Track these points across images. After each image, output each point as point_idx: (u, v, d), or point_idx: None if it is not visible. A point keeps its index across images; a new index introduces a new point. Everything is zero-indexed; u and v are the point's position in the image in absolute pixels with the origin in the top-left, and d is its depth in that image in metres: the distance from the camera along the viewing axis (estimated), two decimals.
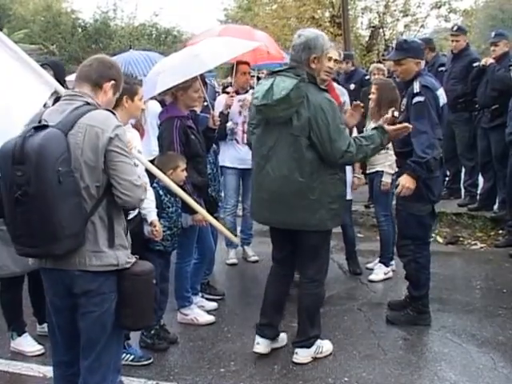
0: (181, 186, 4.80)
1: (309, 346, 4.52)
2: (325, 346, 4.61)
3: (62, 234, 2.87)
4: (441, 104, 4.84)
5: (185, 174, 4.76)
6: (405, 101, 4.94)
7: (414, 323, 5.03)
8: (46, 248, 2.91)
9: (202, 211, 4.46)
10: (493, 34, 7.90)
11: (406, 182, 4.73)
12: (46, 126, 2.91)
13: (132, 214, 4.29)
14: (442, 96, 4.89)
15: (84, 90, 3.13)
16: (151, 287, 3.23)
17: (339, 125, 4.21)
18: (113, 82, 3.21)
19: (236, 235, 6.95)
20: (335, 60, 5.09)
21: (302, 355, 4.51)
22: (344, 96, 5.55)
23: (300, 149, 4.18)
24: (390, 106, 5.66)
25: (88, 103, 3.06)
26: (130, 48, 10.27)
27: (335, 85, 5.54)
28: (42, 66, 5.64)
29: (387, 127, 4.48)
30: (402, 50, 4.96)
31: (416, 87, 4.78)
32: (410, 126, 4.51)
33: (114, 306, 3.09)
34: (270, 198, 4.36)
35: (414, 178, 4.71)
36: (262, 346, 4.63)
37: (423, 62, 5.01)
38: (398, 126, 4.54)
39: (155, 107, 6.13)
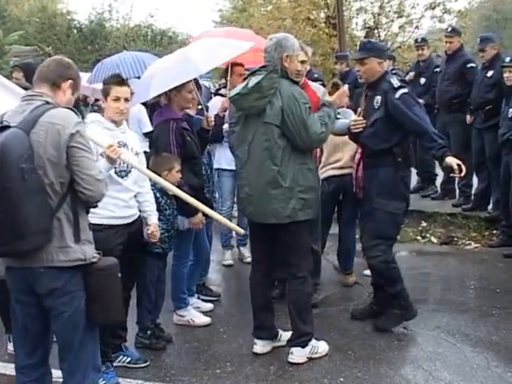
0: (179, 188, 4.84)
1: (303, 346, 4.55)
2: (320, 346, 4.64)
3: (29, 230, 2.92)
4: None
5: (179, 175, 4.78)
6: (379, 98, 4.88)
7: (404, 319, 5.03)
8: (13, 245, 2.95)
9: (204, 208, 4.36)
10: (478, 40, 7.95)
11: (455, 161, 4.63)
12: (7, 127, 2.98)
13: (134, 217, 4.31)
14: None
15: (43, 90, 3.19)
16: (116, 281, 3.26)
17: (310, 111, 4.41)
18: (71, 81, 3.27)
19: (232, 237, 7.02)
20: (302, 61, 5.14)
21: (297, 355, 4.54)
22: (320, 91, 5.58)
23: (272, 137, 4.35)
24: None
25: (48, 102, 3.12)
26: (125, 49, 10.22)
27: (310, 82, 5.58)
28: (13, 67, 5.58)
29: (328, 99, 4.80)
30: (365, 50, 5.02)
31: (395, 82, 4.83)
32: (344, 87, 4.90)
33: (84, 304, 3.14)
34: (250, 190, 4.50)
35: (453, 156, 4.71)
36: (258, 346, 4.70)
37: (386, 64, 5.06)
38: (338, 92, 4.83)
39: (134, 110, 6.11)
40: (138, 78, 6.72)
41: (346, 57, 11.07)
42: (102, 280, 3.15)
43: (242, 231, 4.73)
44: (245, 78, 4.61)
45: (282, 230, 4.47)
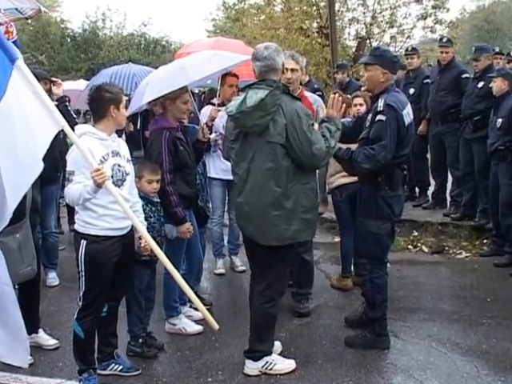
0: (167, 197, 4.85)
1: (255, 360, 4.49)
2: (279, 363, 4.54)
3: None
4: (406, 123, 4.65)
5: (152, 186, 4.76)
6: (370, 116, 4.79)
7: (372, 346, 4.86)
8: None
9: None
10: (473, 49, 8.01)
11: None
12: None
13: (128, 228, 4.31)
14: (409, 114, 4.71)
15: None
16: None
17: (314, 129, 4.33)
18: None
19: (223, 245, 7.04)
20: (292, 69, 5.24)
21: (249, 367, 4.51)
22: (316, 103, 5.64)
23: (276, 157, 4.22)
24: None
25: None
26: (130, 61, 10.26)
27: (307, 93, 5.64)
28: None
29: (324, 112, 4.66)
30: (373, 56, 4.82)
31: (380, 105, 4.62)
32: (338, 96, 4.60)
33: None
34: (250, 210, 4.36)
35: (336, 154, 4.72)
36: None
37: (392, 77, 4.79)
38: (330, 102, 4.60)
39: None
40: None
41: (345, 66, 10.99)
42: None
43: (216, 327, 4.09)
44: (239, 90, 4.58)
45: (267, 249, 4.38)
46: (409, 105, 4.80)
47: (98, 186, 3.80)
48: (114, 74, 8.42)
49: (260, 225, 4.33)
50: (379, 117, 4.61)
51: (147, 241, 3.93)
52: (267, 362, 4.50)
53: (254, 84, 4.31)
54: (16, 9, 3.57)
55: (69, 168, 4.07)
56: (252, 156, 4.29)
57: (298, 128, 4.19)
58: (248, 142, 4.33)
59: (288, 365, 4.57)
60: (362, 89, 5.58)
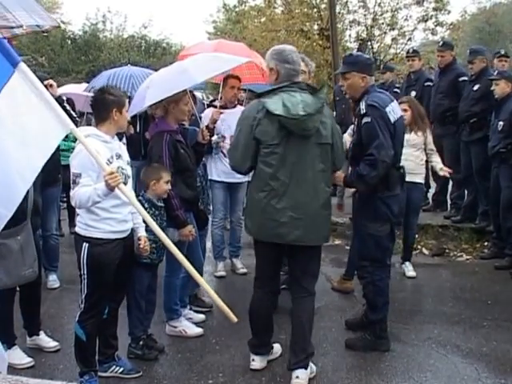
0: (169, 200, 4.86)
1: (306, 367, 4.39)
2: (312, 366, 4.52)
3: None
4: (392, 120, 4.64)
5: (168, 186, 4.78)
6: (356, 121, 4.79)
7: (372, 348, 4.87)
8: None
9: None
10: (467, 52, 8.04)
11: (339, 178, 4.79)
12: None
13: (129, 231, 4.33)
14: (393, 111, 4.69)
15: None
16: None
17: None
18: None
19: (224, 248, 7.04)
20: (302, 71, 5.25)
21: (302, 378, 4.33)
22: None
23: (327, 158, 4.28)
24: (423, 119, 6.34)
25: None
26: (129, 63, 10.31)
27: None
28: None
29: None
30: (348, 64, 4.81)
31: (362, 107, 4.63)
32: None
33: None
34: (298, 214, 4.21)
35: (346, 183, 4.85)
36: (257, 362, 4.62)
37: (371, 79, 4.83)
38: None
39: None
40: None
41: None
42: None
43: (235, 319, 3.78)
44: (259, 95, 4.33)
45: (312, 250, 4.38)
46: (393, 103, 4.78)
47: (111, 189, 3.79)
48: (112, 75, 8.50)
49: (311, 227, 4.26)
50: (365, 119, 4.61)
51: (164, 242, 3.82)
52: (311, 367, 4.46)
53: (283, 87, 4.19)
54: (37, 25, 3.61)
55: (75, 170, 4.02)
56: (296, 159, 4.18)
57: (335, 129, 4.32)
58: (290, 146, 4.18)
59: (314, 366, 4.56)
60: (347, 96, 5.61)
